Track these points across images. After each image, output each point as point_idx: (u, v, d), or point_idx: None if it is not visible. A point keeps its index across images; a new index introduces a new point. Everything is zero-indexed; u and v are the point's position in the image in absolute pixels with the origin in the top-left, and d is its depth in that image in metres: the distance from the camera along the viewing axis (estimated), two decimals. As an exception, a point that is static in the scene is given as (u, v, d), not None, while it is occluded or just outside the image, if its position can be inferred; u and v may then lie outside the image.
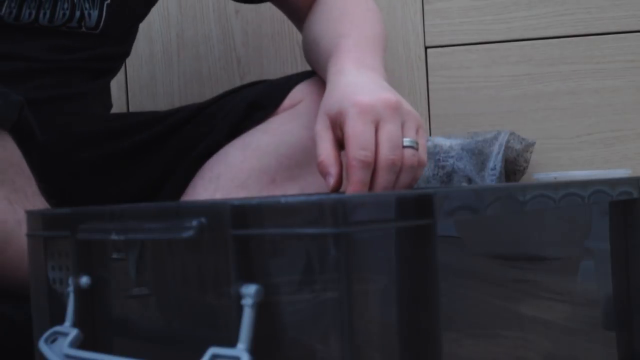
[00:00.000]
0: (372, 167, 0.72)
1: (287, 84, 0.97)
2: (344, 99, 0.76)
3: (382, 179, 0.72)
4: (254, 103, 0.96)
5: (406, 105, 0.77)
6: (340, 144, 0.76)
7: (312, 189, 0.91)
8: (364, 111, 0.73)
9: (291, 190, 0.91)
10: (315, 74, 0.97)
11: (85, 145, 0.98)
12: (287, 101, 0.95)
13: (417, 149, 0.74)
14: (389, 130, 0.73)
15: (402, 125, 0.75)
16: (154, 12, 1.31)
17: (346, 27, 0.92)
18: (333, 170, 0.74)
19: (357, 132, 0.72)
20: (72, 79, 1.00)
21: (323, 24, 0.96)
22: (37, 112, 0.83)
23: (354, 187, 0.72)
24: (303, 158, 0.91)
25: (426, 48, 1.24)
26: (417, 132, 0.76)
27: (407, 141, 0.74)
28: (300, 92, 0.95)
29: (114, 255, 0.57)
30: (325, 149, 0.75)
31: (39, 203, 0.81)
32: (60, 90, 0.98)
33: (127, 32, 1.07)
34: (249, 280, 0.48)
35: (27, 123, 0.82)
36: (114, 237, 0.54)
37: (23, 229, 0.74)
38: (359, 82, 0.80)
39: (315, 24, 0.98)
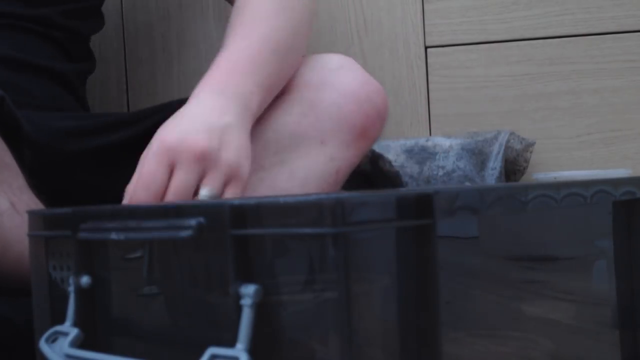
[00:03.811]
0: None
1: None
2: (159, 131, 0.75)
3: None
4: None
5: (225, 153, 0.74)
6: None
7: (302, 172, 0.90)
8: (161, 152, 0.72)
9: (281, 175, 0.91)
10: None
11: (72, 139, 0.97)
12: None
13: None
14: (179, 179, 0.71)
15: (205, 174, 0.73)
16: (154, 12, 1.31)
17: (236, 32, 0.87)
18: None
19: (146, 173, 0.72)
20: (33, 44, 0.98)
21: (231, 20, 0.92)
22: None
23: None
24: (289, 142, 0.91)
25: (426, 48, 1.24)
26: (228, 183, 0.73)
27: (203, 192, 0.72)
28: None
29: (128, 256, 0.58)
30: (134, 179, 0.74)
31: (26, 197, 0.80)
32: (20, 55, 0.96)
33: None
34: (248, 280, 0.48)
35: (11, 117, 0.81)
36: (113, 236, 0.55)
37: (5, 220, 0.74)
38: (192, 115, 0.77)
39: (230, 19, 0.93)
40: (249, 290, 0.47)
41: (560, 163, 1.21)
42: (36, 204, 0.81)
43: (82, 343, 0.57)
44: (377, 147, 1.17)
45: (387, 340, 0.48)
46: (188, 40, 1.32)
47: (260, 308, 0.47)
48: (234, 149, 0.75)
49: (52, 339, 0.57)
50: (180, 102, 0.89)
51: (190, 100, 0.80)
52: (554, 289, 0.67)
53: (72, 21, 1.04)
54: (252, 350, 0.46)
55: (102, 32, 1.17)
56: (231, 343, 0.47)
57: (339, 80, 0.91)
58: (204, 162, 0.73)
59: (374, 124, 0.91)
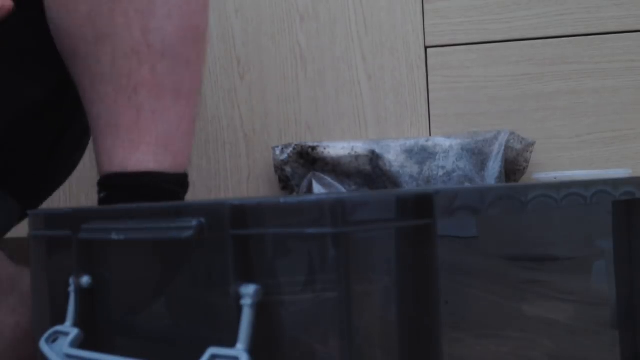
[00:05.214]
0: None
1: None
2: None
3: None
4: None
5: None
6: None
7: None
8: None
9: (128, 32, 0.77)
10: None
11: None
12: None
13: None
14: None
15: None
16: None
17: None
18: None
19: None
20: None
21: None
22: None
23: None
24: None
25: (426, 48, 1.24)
26: None
27: None
28: None
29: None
30: None
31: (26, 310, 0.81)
32: None
33: None
34: (248, 280, 0.48)
35: None
36: (114, 236, 0.55)
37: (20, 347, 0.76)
38: None
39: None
40: (249, 290, 0.47)
41: (560, 163, 1.21)
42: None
43: (82, 343, 0.57)
44: (377, 147, 1.17)
45: (387, 340, 0.48)
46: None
47: (260, 308, 0.47)
48: None
49: (52, 339, 0.57)
50: None
51: None
52: (554, 289, 0.67)
53: None
54: (252, 350, 0.46)
55: None
56: (231, 343, 0.47)
57: None
58: None
59: None
